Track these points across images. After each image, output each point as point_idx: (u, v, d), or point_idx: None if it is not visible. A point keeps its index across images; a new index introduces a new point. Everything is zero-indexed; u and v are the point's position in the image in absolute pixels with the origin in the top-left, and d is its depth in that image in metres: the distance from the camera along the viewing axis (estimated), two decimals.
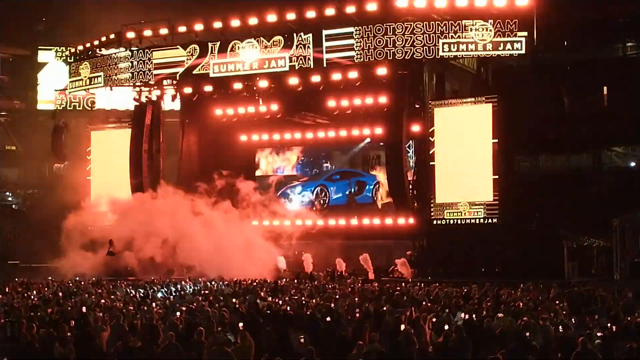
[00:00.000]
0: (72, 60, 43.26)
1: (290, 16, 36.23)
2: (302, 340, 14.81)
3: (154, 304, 21.60)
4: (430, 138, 35.85)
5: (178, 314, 18.82)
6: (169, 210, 38.00)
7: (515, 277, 29.63)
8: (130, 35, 40.05)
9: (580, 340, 13.58)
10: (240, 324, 16.24)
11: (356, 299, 23.48)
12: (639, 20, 37.49)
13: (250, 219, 39.26)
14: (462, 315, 18.45)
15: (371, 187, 41.61)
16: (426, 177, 36.12)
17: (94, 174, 44.00)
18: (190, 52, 38.45)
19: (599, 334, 15.39)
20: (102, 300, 22.79)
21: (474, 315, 18.29)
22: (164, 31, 39.22)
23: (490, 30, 33.49)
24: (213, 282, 31.28)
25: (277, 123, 42.49)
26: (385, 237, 39.14)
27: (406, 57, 34.38)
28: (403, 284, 30.47)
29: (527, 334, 15.15)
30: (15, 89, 52.64)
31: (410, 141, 37.71)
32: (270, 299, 23.74)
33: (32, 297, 24.76)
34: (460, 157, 35.35)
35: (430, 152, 35.88)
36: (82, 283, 31.55)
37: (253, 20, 37.16)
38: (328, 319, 17.60)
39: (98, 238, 39.37)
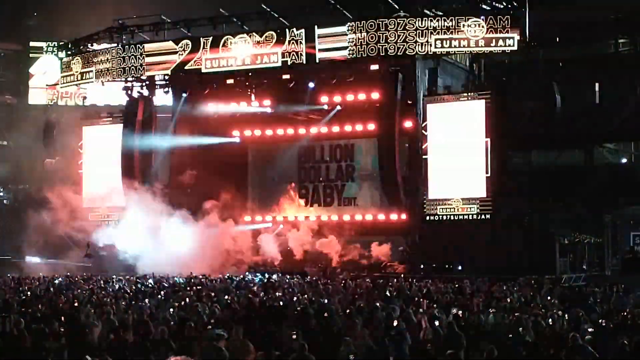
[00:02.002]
0: (63, 55, 43.12)
1: (283, 12, 36.18)
2: (294, 336, 14.80)
3: (146, 300, 21.56)
4: (424, 132, 35.84)
5: (170, 309, 18.81)
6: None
7: (507, 272, 29.68)
8: (122, 30, 39.94)
9: (571, 336, 13.62)
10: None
11: (348, 294, 23.50)
12: (632, 17, 37.52)
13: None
14: (454, 310, 18.48)
15: None
16: (419, 173, 36.14)
17: (86, 169, 43.88)
18: (182, 47, 38.37)
19: (590, 330, 15.42)
20: (94, 296, 22.76)
21: (466, 311, 18.32)
22: (156, 26, 39.12)
23: (483, 27, 33.51)
24: (203, 278, 31.25)
25: (270, 119, 42.45)
26: (377, 233, 39.20)
27: (399, 53, 34.39)
28: (395, 279, 30.49)
29: (520, 329, 15.18)
30: (7, 83, 52.47)
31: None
32: (262, 294, 23.74)
33: (24, 292, 24.69)
34: (453, 153, 35.37)
35: (423, 148, 35.89)
36: (74, 278, 31.51)
37: (245, 16, 37.12)
38: (323, 314, 17.60)
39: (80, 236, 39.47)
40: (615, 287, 24.22)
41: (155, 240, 37.28)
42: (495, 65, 38.64)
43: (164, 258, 35.44)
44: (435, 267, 33.78)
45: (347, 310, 18.32)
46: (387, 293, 23.45)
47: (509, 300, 20.56)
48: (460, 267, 33.69)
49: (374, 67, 35.51)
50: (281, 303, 20.10)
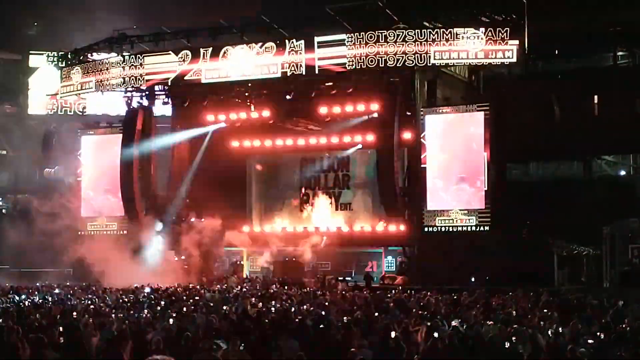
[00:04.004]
0: (63, 65, 43.13)
1: (283, 23, 36.24)
2: (292, 347, 14.80)
3: (144, 310, 21.54)
4: (423, 141, 35.87)
5: (171, 321, 18.80)
6: None
7: (505, 284, 29.67)
8: (122, 40, 39.98)
9: (569, 348, 13.62)
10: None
11: (346, 305, 23.48)
12: (630, 29, 37.64)
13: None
14: (452, 322, 18.46)
15: None
16: (417, 184, 36.15)
17: (85, 179, 43.84)
18: (182, 57, 38.40)
19: (589, 342, 15.41)
20: (92, 306, 22.74)
21: (463, 323, 18.31)
22: (156, 37, 39.17)
23: (482, 39, 33.60)
24: (204, 290, 31.20)
25: (269, 129, 42.52)
26: (376, 244, 39.22)
27: (398, 65, 34.46)
28: (394, 291, 30.47)
29: (514, 339, 15.19)
30: (6, 93, 52.53)
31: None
32: (260, 305, 23.72)
33: (21, 302, 24.67)
34: (452, 165, 35.42)
35: (421, 159, 35.91)
36: (72, 289, 31.48)
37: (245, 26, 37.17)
38: (319, 325, 17.59)
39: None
40: (614, 299, 24.20)
41: (134, 253, 37.60)
42: (494, 77, 38.72)
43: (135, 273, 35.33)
44: (433, 278, 33.63)
45: (345, 321, 18.31)
46: (385, 304, 23.44)
47: (507, 312, 20.54)
48: (458, 279, 33.65)
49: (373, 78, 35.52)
50: (279, 314, 20.08)
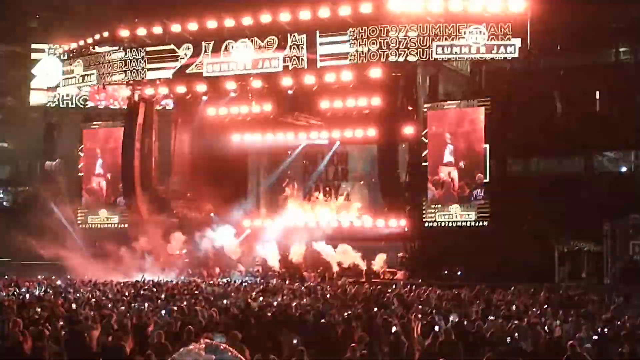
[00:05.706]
0: (65, 58, 43.11)
1: (285, 17, 36.14)
2: (294, 341, 14.81)
3: (146, 304, 21.56)
4: (424, 139, 35.84)
5: (163, 312, 18.85)
6: None
7: (505, 280, 29.64)
8: (124, 33, 39.90)
9: (569, 344, 13.62)
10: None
11: (347, 300, 23.49)
12: (632, 25, 37.55)
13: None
14: (453, 318, 18.48)
15: None
16: (418, 179, 36.12)
17: (86, 171, 43.80)
18: (183, 51, 38.35)
19: (590, 338, 15.42)
20: (93, 299, 22.77)
21: (464, 318, 18.33)
22: (157, 30, 39.09)
23: (484, 34, 33.53)
24: (204, 283, 31.24)
25: (270, 123, 42.51)
26: (376, 239, 39.19)
27: (400, 60, 34.40)
28: (394, 286, 30.47)
29: (516, 334, 15.20)
30: (8, 85, 52.42)
31: None
32: (261, 299, 23.74)
33: (22, 295, 24.69)
34: (453, 160, 35.39)
35: (423, 155, 35.90)
36: (73, 281, 31.50)
37: (247, 20, 37.06)
38: (320, 320, 17.60)
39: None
40: (614, 295, 24.20)
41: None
42: (496, 72, 38.64)
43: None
44: (433, 273, 33.70)
45: (345, 316, 18.31)
46: (386, 299, 23.46)
47: (507, 308, 20.55)
48: (460, 273, 33.68)
49: (375, 73, 35.48)
50: (280, 308, 20.09)
